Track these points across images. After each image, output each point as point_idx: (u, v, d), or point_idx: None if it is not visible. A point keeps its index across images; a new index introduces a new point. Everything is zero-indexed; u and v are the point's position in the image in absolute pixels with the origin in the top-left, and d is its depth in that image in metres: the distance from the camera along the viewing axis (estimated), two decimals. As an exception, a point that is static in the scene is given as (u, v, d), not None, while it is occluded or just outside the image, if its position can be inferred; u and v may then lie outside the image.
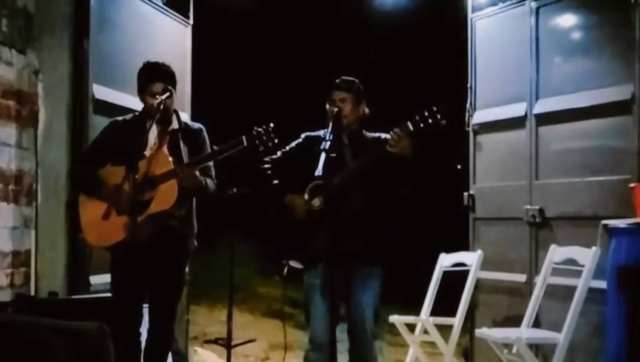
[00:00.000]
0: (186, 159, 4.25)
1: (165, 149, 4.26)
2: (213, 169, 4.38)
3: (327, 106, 4.35)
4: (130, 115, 4.45)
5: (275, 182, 4.38)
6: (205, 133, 4.43)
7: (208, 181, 4.31)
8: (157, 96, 4.20)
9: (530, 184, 5.65)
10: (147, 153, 4.21)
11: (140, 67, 4.36)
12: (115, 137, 4.31)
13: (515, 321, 5.44)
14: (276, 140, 4.21)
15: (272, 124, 4.16)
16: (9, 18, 4.65)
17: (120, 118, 4.45)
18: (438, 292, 5.86)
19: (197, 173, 4.19)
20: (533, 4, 5.68)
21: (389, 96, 8.37)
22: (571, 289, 4.93)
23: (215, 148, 4.25)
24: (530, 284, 5.53)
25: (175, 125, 4.36)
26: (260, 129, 4.15)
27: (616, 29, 5.15)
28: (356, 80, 4.41)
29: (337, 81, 4.39)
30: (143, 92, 4.31)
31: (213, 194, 4.37)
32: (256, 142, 4.14)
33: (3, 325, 3.58)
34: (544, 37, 5.63)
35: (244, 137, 4.13)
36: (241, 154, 4.16)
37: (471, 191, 6.23)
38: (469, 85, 6.30)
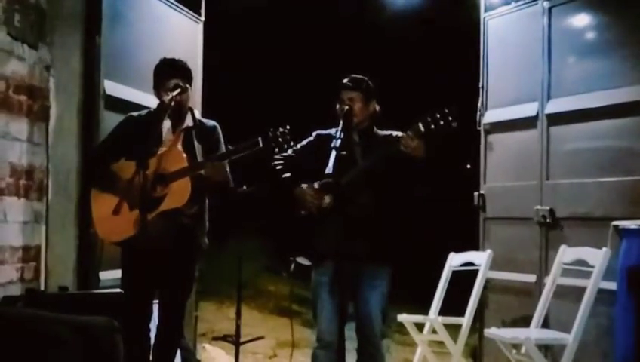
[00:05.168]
0: (200, 157, 4.24)
1: (179, 146, 4.25)
2: (227, 167, 4.37)
3: (337, 106, 4.35)
4: (146, 111, 4.45)
5: (287, 175, 4.38)
6: (219, 131, 4.41)
7: None
8: (168, 93, 4.19)
9: (541, 184, 5.63)
10: (162, 149, 4.20)
11: (157, 63, 4.36)
12: (130, 132, 4.30)
13: (524, 321, 5.43)
14: (292, 143, 4.19)
15: (288, 126, 4.12)
16: (21, 13, 4.66)
17: (135, 114, 4.43)
18: (447, 291, 5.85)
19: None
20: (546, 4, 5.66)
21: (402, 95, 8.36)
22: (581, 290, 4.91)
23: (230, 147, 4.23)
24: (539, 285, 5.52)
25: (190, 122, 4.35)
26: (276, 131, 4.11)
27: (628, 29, 5.14)
28: (365, 78, 4.39)
29: (346, 80, 4.38)
30: (158, 88, 4.30)
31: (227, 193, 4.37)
32: (272, 143, 4.11)
33: (13, 319, 3.59)
34: (556, 37, 5.61)
35: (260, 138, 4.10)
36: (255, 155, 4.14)
37: (481, 191, 6.21)
38: (480, 84, 6.28)
